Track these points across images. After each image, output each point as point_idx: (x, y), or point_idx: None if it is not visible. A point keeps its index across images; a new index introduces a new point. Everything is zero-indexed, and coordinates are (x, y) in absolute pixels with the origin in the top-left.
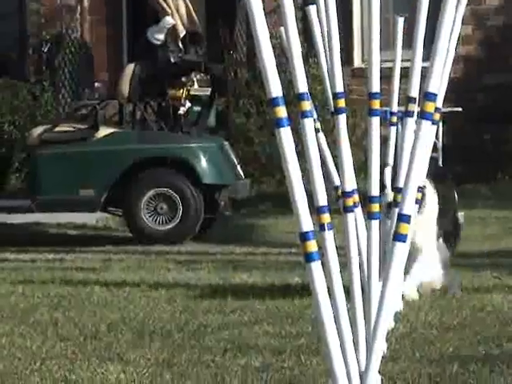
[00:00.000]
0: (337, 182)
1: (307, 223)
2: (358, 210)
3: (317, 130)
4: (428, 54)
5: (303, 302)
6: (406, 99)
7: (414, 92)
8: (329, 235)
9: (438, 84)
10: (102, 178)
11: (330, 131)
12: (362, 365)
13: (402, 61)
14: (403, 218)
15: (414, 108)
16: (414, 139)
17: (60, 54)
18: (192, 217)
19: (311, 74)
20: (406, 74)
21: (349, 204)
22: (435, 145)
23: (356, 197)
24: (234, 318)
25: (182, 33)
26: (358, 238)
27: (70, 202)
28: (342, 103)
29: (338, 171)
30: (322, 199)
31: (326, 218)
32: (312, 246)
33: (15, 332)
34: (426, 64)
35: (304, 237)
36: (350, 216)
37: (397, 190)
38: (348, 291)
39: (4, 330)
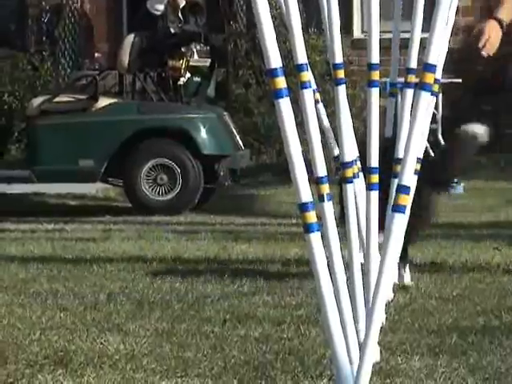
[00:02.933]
0: (336, 152)
1: (306, 194)
2: (358, 181)
3: (316, 101)
4: (427, 26)
5: (303, 272)
6: (405, 70)
7: (413, 63)
8: (328, 206)
9: (438, 55)
10: (102, 149)
11: (330, 102)
12: (361, 336)
13: (402, 32)
14: (403, 190)
15: (413, 79)
16: (413, 110)
17: (60, 25)
18: (191, 187)
19: (310, 44)
20: (405, 44)
21: (348, 175)
22: (434, 116)
23: (355, 168)
24: (233, 288)
25: (182, 3)
26: (357, 209)
27: (69, 172)
28: (341, 74)
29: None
30: (322, 170)
31: (325, 188)
32: (311, 216)
33: (15, 302)
34: (425, 35)
35: (303, 207)
36: (350, 187)
37: (396, 161)
38: (347, 262)
39: (4, 300)
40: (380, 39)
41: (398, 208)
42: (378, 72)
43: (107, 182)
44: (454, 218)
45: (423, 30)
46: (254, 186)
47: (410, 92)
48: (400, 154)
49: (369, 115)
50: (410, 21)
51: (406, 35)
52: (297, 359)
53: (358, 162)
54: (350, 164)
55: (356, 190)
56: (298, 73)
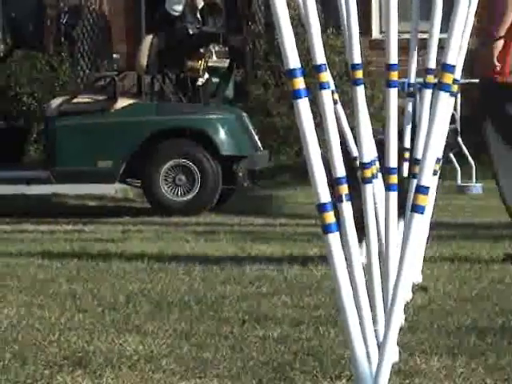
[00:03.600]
0: (355, 153)
1: (325, 194)
2: (377, 181)
3: (335, 102)
4: (446, 26)
5: (321, 273)
6: (424, 71)
7: (432, 63)
8: (346, 206)
9: (456, 55)
10: (121, 150)
11: (348, 102)
12: (379, 336)
13: (420, 32)
14: (421, 190)
15: (432, 79)
16: (432, 110)
17: (78, 26)
18: (210, 188)
19: (329, 44)
20: (424, 45)
21: (367, 175)
22: (453, 116)
23: (374, 168)
24: (252, 289)
25: (201, 4)
26: (376, 209)
27: (88, 173)
28: (359, 74)
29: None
30: (340, 170)
31: (344, 189)
32: (330, 217)
33: (34, 303)
34: (444, 35)
35: (322, 208)
36: (369, 187)
37: (415, 162)
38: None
39: (23, 300)
40: (398, 39)
41: (417, 208)
42: (396, 72)
43: (126, 182)
44: (473, 218)
45: (442, 31)
46: (273, 187)
47: (428, 92)
48: (419, 154)
49: (387, 115)
50: (428, 21)
51: (425, 35)
52: (316, 360)
53: (377, 162)
54: (369, 164)
55: (376, 190)
56: (317, 73)
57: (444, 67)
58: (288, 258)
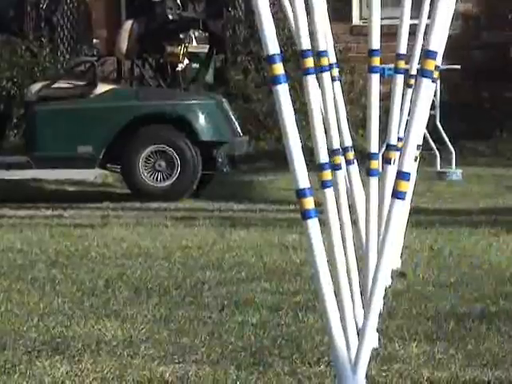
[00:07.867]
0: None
1: (304, 180)
2: (354, 168)
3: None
4: (417, 12)
5: (301, 258)
6: (395, 56)
7: (403, 49)
8: (329, 192)
9: (439, 42)
10: (100, 135)
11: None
12: (359, 322)
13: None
14: (402, 176)
15: (402, 65)
16: (413, 96)
17: (58, 11)
18: (190, 174)
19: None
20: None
21: (336, 162)
22: (433, 102)
23: (351, 153)
24: (231, 274)
25: None
26: (354, 195)
27: (68, 158)
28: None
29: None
30: (323, 156)
31: (327, 175)
32: (309, 203)
33: (13, 288)
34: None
35: (301, 194)
36: (340, 173)
37: (389, 147)
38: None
39: (2, 286)
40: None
41: (397, 194)
42: (378, 58)
43: (105, 168)
44: (452, 204)
45: (412, 17)
46: (253, 173)
47: (400, 78)
48: (392, 139)
49: (369, 101)
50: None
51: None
52: (294, 345)
53: (352, 150)
54: (337, 151)
55: (352, 176)
56: (302, 59)
57: (426, 53)
58: (267, 243)
